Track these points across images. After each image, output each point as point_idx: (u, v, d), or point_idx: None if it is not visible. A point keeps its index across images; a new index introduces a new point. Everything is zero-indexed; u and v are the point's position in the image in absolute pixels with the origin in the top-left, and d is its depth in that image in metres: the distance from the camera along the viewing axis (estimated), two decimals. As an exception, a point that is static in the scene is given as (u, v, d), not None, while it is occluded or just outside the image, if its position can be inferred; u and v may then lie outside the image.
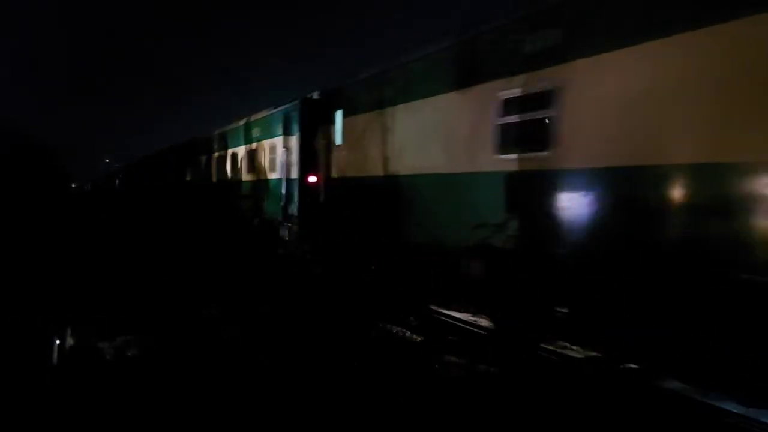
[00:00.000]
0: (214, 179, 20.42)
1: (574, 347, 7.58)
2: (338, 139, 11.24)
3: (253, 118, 15.81)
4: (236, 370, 6.44)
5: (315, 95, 12.18)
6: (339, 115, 11.16)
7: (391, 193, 9.37)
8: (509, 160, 6.84)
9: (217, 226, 18.77)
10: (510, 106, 6.85)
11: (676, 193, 5.20)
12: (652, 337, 5.51)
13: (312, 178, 12.00)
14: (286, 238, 13.36)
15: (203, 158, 22.03)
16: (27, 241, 17.14)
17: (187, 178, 25.81)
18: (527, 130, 6.58)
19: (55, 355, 6.76)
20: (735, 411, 5.29)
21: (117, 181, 59.28)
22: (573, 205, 6.08)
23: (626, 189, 5.58)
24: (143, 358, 6.89)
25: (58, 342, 7.29)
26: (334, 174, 11.42)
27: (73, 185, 64.44)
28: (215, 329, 8.26)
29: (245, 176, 16.45)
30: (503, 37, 7.03)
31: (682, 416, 5.41)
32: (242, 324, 8.42)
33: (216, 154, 20.06)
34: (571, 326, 6.67)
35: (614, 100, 5.61)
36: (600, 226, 5.82)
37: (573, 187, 6.07)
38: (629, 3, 5.58)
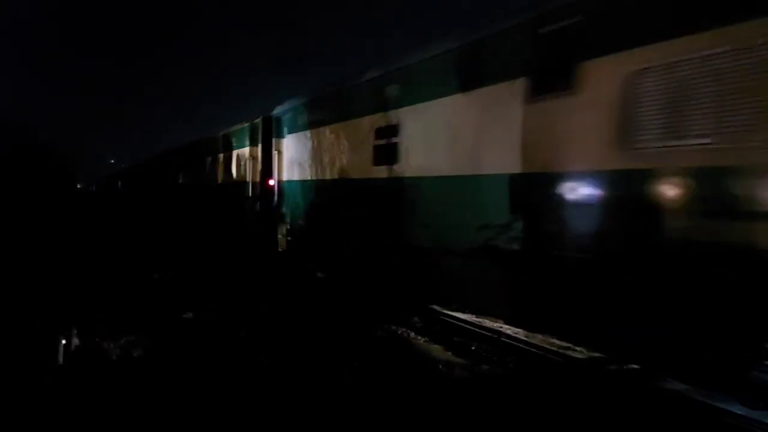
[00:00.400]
0: (202, 181, 22.38)
1: (579, 349, 7.63)
2: (285, 150, 14.07)
3: (231, 129, 18.21)
4: (236, 370, 6.49)
5: (274, 112, 14.54)
6: (285, 131, 13.95)
7: (316, 194, 12.41)
8: (380, 170, 9.72)
9: (204, 222, 21.13)
10: (380, 133, 9.72)
11: (448, 192, 8.24)
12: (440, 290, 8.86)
13: (271, 182, 14.71)
14: (256, 233, 15.85)
15: (192, 162, 24.36)
16: (31, 242, 17.27)
17: (180, 181, 27.38)
18: (387, 150, 9.48)
19: (61, 355, 6.80)
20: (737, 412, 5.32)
21: (119, 183, 59.42)
22: (410, 200, 9.08)
23: (430, 189, 8.65)
24: (148, 358, 6.94)
25: (63, 342, 7.34)
26: (283, 178, 14.23)
27: (78, 186, 64.59)
28: (215, 329, 8.31)
29: (226, 179, 18.87)
30: (372, 85, 10.12)
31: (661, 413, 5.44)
32: (238, 322, 8.47)
33: (204, 159, 22.08)
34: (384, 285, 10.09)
35: (421, 133, 8.76)
36: (421, 213, 8.93)
37: (410, 189, 9.06)
38: (424, 79, 8.82)
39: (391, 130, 9.36)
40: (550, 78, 6.48)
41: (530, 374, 6.60)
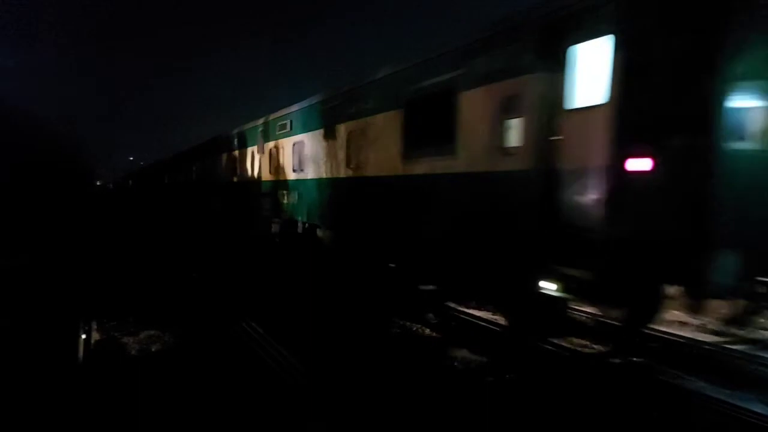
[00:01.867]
0: (209, 180, 24.48)
1: (595, 346, 7.58)
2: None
3: (233, 131, 20.15)
4: (253, 363, 6.53)
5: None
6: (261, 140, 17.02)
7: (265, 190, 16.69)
8: (299, 174, 13.86)
9: (208, 215, 23.08)
10: (296, 149, 13.96)
11: (329, 189, 12.14)
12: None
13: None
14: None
15: (200, 163, 26.82)
16: (50, 238, 17.49)
17: (192, 178, 29.31)
18: (298, 162, 13.87)
19: (81, 350, 6.89)
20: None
21: (131, 181, 59.69)
22: (315, 195, 12.89)
23: (322, 189, 12.40)
24: (166, 353, 7.01)
25: (83, 337, 7.44)
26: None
27: (98, 183, 65.31)
28: (230, 323, 8.38)
29: (228, 178, 20.95)
30: (267, 124, 16.17)
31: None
32: (256, 315, 8.52)
33: (208, 160, 24.48)
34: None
35: (309, 150, 13.06)
36: (321, 205, 12.68)
37: (312, 188, 12.98)
38: (303, 118, 13.55)
39: (298, 147, 13.89)
40: (327, 129, 12.04)
41: (543, 369, 6.57)
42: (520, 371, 6.54)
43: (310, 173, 13.10)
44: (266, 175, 16.39)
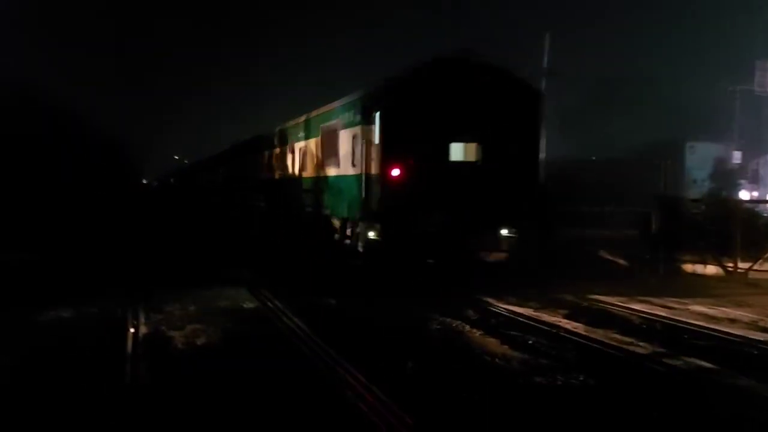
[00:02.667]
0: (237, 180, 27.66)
1: (641, 344, 7.41)
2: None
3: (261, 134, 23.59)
4: (299, 358, 6.62)
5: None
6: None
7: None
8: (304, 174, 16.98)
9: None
10: (299, 152, 17.37)
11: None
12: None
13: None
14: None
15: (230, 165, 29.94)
16: (99, 232, 18.23)
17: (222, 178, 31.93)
18: (298, 161, 17.44)
19: (130, 343, 7.11)
20: None
21: (172, 179, 60.76)
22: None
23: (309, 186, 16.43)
24: (213, 346, 7.16)
25: (132, 331, 7.68)
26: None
27: (144, 181, 67.05)
28: (274, 317, 8.51)
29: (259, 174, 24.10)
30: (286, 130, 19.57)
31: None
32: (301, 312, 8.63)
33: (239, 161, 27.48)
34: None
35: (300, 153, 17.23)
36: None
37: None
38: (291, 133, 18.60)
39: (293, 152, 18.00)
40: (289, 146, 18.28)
41: (589, 369, 6.44)
42: (566, 370, 6.45)
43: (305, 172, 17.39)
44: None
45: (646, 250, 13.93)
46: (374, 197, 11.26)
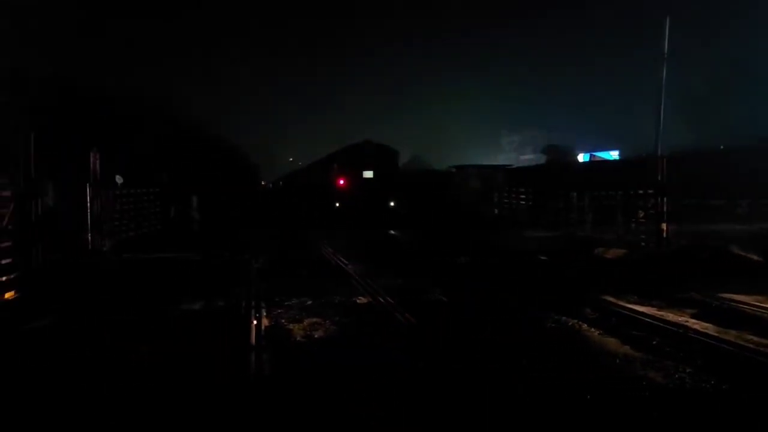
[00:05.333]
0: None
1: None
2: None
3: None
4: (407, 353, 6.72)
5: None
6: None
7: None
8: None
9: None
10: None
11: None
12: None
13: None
14: None
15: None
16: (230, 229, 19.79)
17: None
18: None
19: (254, 335, 7.56)
20: None
21: (281, 182, 62.79)
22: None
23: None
24: (330, 339, 7.45)
25: (255, 323, 8.15)
26: None
27: (262, 183, 70.41)
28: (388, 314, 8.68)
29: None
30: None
31: None
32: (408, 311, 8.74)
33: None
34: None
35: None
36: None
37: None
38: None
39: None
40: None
41: (722, 372, 5.99)
42: (694, 373, 6.05)
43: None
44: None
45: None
46: None
